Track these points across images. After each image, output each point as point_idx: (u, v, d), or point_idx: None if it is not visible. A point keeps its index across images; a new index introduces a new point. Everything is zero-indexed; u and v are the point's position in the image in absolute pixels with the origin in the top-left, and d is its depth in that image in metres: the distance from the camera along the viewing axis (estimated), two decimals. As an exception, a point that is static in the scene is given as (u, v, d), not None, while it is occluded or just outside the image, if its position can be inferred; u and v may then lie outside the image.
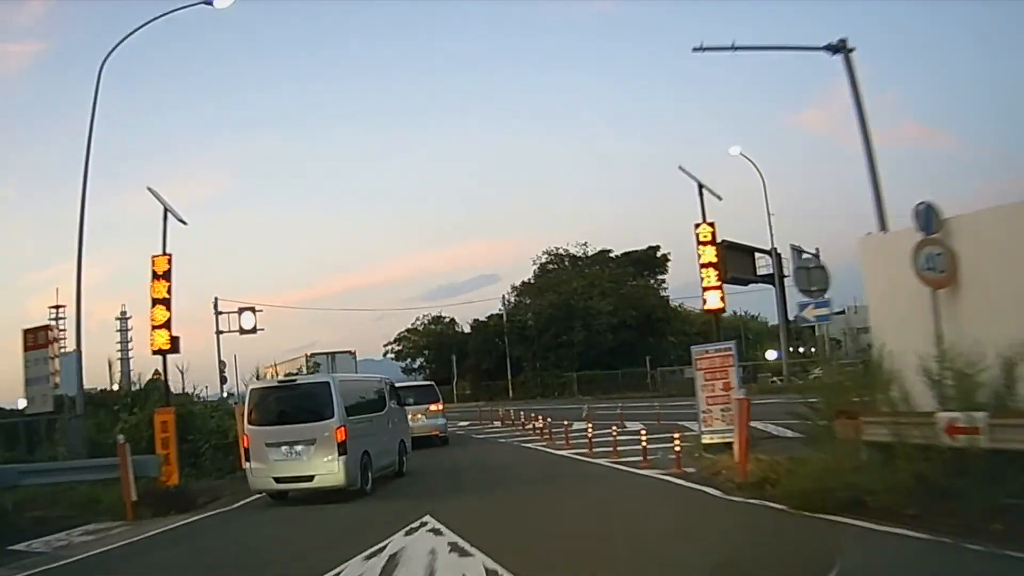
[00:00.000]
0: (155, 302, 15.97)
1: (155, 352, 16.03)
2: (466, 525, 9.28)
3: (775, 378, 40.98)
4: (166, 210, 16.76)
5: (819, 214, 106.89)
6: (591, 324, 54.55)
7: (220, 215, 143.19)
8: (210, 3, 17.18)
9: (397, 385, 18.69)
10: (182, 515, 12.75)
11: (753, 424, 13.06)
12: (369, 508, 12.15)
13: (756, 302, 79.77)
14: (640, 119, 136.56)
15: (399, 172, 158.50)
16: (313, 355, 33.81)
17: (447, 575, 7.23)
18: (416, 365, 66.11)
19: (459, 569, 7.32)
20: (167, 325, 15.97)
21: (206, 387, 32.65)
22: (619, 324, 54.46)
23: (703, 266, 16.09)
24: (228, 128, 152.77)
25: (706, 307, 16.92)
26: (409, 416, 18.58)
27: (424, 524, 9.61)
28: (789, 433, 14.77)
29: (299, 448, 12.85)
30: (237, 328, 32.89)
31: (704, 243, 16.16)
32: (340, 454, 12.70)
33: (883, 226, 12.97)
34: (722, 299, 16.38)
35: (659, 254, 62.37)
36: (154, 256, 16.22)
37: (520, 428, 26.64)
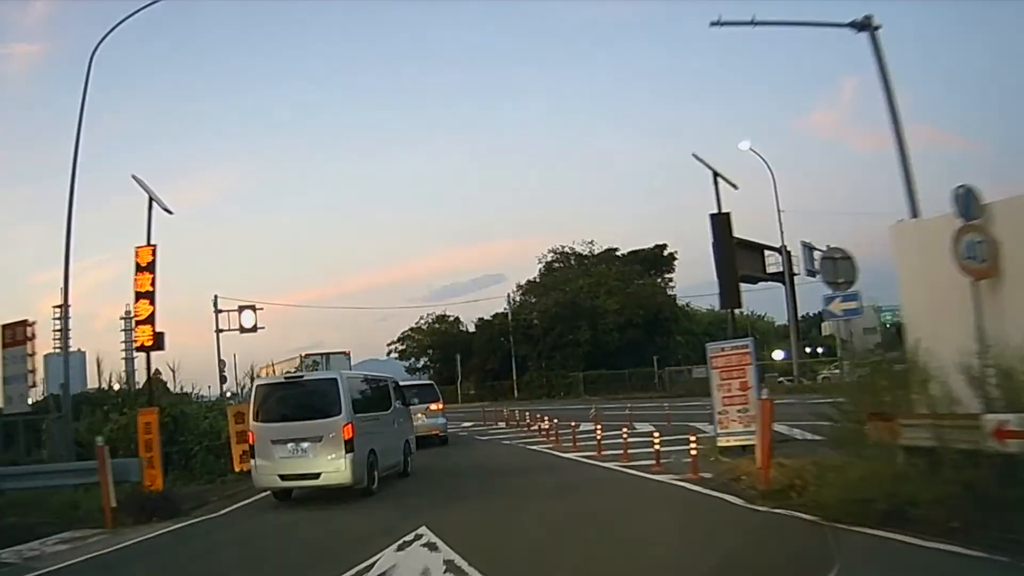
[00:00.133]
0: (138, 296, 15.15)
1: (138, 349, 15.27)
2: (464, 539, 8.57)
3: (783, 378, 40.21)
4: (151, 199, 16.06)
5: (828, 213, 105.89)
6: (597, 323, 53.83)
7: (224, 215, 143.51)
8: None
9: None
10: (164, 523, 12.04)
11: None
12: (361, 516, 11.44)
13: (763, 302, 78.92)
14: (647, 118, 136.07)
15: (405, 172, 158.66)
16: (308, 355, 33.65)
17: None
18: (420, 365, 65.65)
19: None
20: (151, 320, 15.11)
21: (208, 387, 32.00)
22: (626, 323, 53.66)
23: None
24: (236, 128, 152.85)
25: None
26: (409, 416, 18.16)
27: (419, 537, 8.86)
28: (807, 435, 14.07)
29: (305, 445, 12.52)
30: (237, 327, 32.56)
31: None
32: (347, 452, 12.41)
33: (914, 212, 12.18)
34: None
35: (666, 253, 61.67)
36: (137, 247, 15.31)
37: (525, 429, 25.93)
